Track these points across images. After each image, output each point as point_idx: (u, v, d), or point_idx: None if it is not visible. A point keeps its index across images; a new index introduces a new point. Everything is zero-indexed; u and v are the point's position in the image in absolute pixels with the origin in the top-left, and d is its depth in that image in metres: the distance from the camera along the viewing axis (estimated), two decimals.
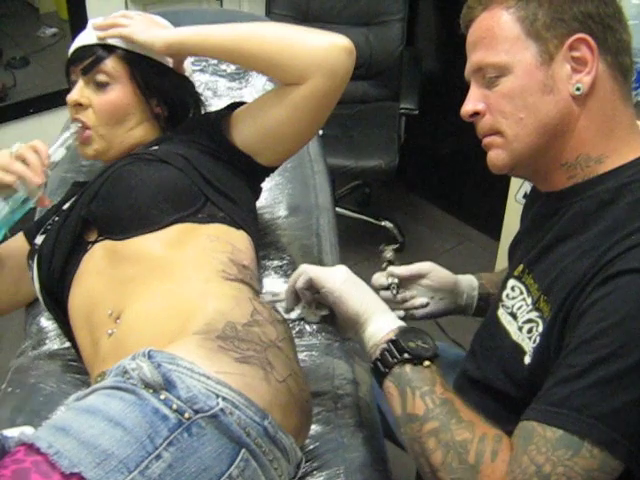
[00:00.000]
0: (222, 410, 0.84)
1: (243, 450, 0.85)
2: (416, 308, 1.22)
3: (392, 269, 1.21)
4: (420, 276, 1.21)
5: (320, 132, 1.74)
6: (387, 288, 1.20)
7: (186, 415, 0.83)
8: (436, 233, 2.87)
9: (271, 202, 1.54)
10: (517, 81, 0.92)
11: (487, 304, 1.23)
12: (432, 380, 0.90)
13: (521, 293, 1.00)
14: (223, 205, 1.19)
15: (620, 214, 0.86)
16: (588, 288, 0.83)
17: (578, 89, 0.90)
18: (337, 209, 1.86)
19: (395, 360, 0.92)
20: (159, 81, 1.29)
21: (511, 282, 1.03)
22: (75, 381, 1.30)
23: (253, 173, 1.29)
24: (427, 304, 1.22)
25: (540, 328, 0.92)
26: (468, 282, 1.24)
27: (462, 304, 1.24)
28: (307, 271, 1.04)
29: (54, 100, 2.60)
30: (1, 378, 1.35)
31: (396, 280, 1.20)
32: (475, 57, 0.96)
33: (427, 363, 0.91)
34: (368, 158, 2.49)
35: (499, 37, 0.93)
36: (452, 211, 2.98)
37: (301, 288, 1.06)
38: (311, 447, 1.12)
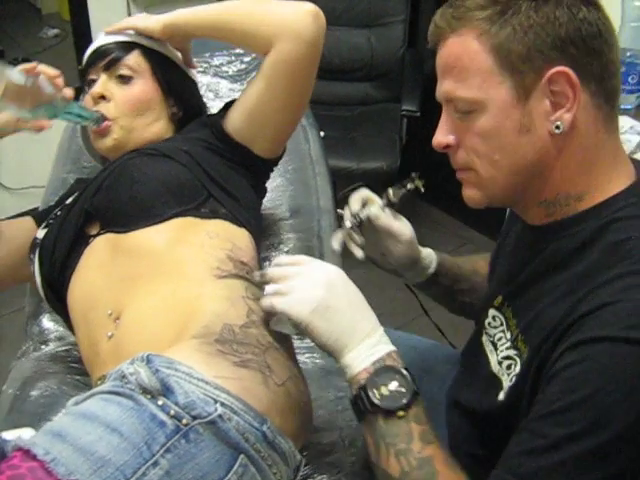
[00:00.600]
0: (220, 416, 0.83)
1: (241, 456, 0.84)
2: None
3: (374, 212, 1.09)
4: (390, 236, 1.12)
5: (322, 134, 1.74)
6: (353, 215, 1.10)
7: (184, 421, 0.82)
8: (438, 235, 2.86)
9: (272, 204, 1.53)
10: (491, 120, 0.84)
11: (428, 287, 1.20)
12: (409, 434, 0.83)
13: (501, 324, 0.96)
14: (225, 202, 1.20)
15: (596, 258, 0.81)
16: (561, 345, 0.78)
17: (558, 127, 0.82)
18: (338, 211, 1.85)
19: (366, 410, 0.85)
20: (178, 81, 1.34)
21: (492, 312, 0.99)
22: (76, 383, 1.30)
23: (254, 168, 1.29)
24: (361, 259, 1.12)
25: (517, 368, 0.89)
26: (423, 269, 1.16)
27: (402, 275, 1.20)
28: (274, 306, 0.92)
29: None
30: (2, 379, 1.36)
31: (362, 218, 1.09)
32: (445, 86, 0.88)
33: (401, 413, 0.83)
34: (370, 160, 2.49)
35: (470, 69, 0.84)
36: (454, 213, 2.97)
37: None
38: (312, 450, 1.11)
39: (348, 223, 1.09)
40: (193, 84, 1.40)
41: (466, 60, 0.84)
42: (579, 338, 0.75)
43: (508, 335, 0.93)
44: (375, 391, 0.84)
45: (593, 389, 0.72)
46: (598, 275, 0.79)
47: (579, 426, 0.72)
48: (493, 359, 0.96)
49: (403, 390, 0.84)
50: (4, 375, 1.37)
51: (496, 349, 0.95)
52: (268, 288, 0.95)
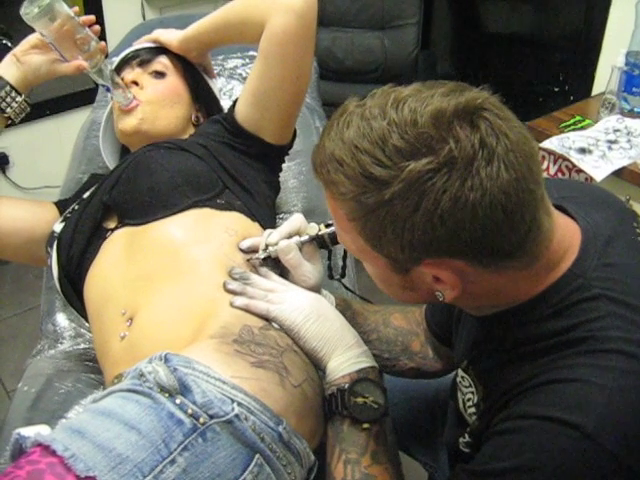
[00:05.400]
0: (237, 416, 0.84)
1: (257, 455, 0.85)
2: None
3: (282, 248, 1.02)
4: (295, 274, 1.05)
5: None
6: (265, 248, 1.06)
7: (201, 420, 0.82)
8: None
9: (286, 205, 1.54)
10: (375, 274, 0.82)
11: None
12: (364, 447, 0.87)
13: (470, 385, 0.93)
14: (240, 195, 1.22)
15: (553, 342, 0.76)
16: (506, 409, 0.77)
17: (440, 296, 0.77)
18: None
19: (337, 411, 0.90)
20: (204, 89, 1.40)
21: (460, 372, 0.96)
22: (90, 381, 1.31)
23: (268, 160, 1.31)
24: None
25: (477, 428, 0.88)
26: None
27: None
28: (269, 311, 0.99)
29: (70, 102, 2.62)
30: (17, 377, 1.37)
31: (271, 252, 1.05)
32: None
33: (366, 426, 0.88)
34: None
35: (347, 236, 0.78)
36: None
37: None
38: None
39: (261, 254, 1.07)
40: (216, 98, 1.44)
41: (341, 226, 0.79)
42: (519, 409, 0.75)
43: (475, 399, 0.91)
44: (352, 398, 0.89)
45: (518, 463, 0.72)
46: (553, 352, 0.76)
47: None
48: (466, 415, 0.95)
49: (376, 406, 0.89)
50: (19, 373, 1.38)
51: (465, 410, 0.94)
52: (253, 292, 1.01)
